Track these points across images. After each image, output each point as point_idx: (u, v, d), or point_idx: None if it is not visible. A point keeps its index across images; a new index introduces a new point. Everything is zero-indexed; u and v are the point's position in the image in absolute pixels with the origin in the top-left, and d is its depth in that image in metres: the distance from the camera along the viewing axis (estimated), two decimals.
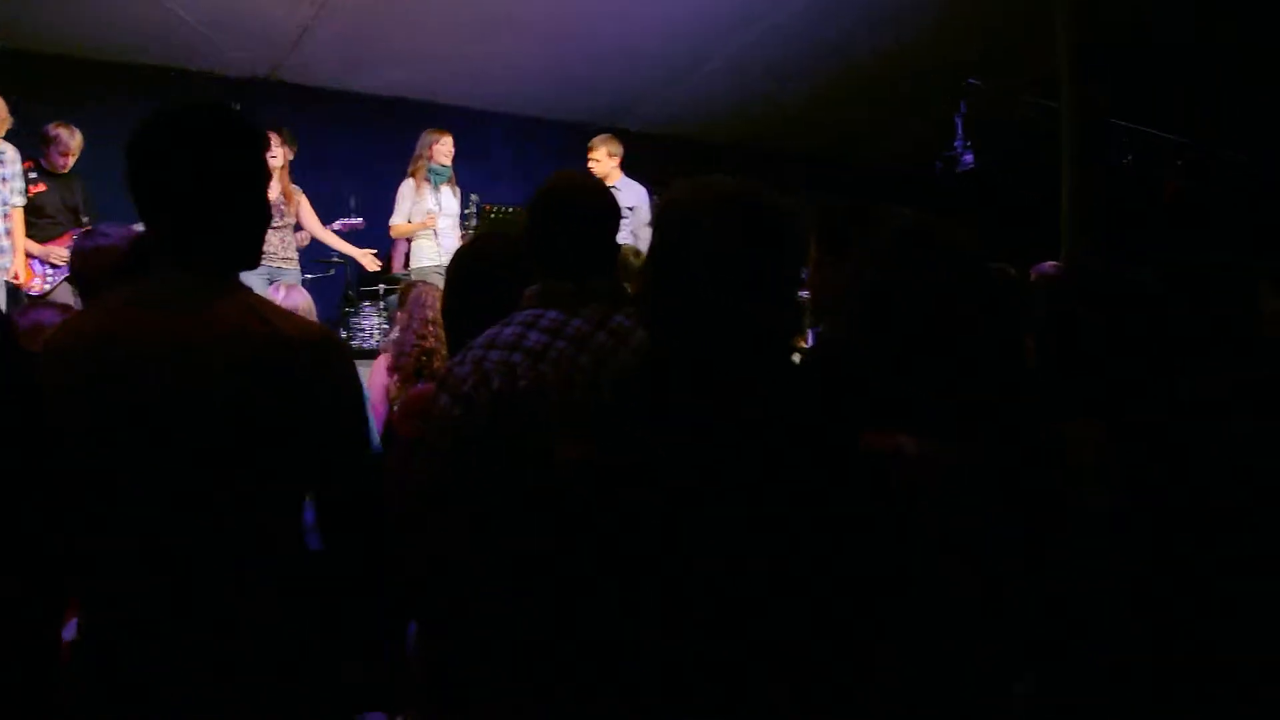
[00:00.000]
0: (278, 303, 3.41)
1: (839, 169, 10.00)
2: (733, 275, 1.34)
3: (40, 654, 1.50)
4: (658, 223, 1.49)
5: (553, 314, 1.78)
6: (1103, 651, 1.56)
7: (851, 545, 1.28)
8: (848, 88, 8.01)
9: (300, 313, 3.43)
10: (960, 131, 5.91)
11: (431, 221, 6.15)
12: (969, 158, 5.86)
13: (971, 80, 5.77)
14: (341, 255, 6.77)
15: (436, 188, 6.23)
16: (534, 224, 1.90)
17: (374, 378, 3.73)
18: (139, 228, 5.46)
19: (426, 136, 6.25)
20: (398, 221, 6.26)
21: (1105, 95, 4.05)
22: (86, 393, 1.42)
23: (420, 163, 6.22)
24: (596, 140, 6.35)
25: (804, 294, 2.31)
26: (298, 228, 6.20)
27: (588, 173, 5.70)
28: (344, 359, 1.55)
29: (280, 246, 5.92)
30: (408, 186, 6.24)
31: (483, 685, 1.65)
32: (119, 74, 7.10)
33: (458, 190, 6.43)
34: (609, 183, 5.97)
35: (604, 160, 6.24)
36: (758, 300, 1.35)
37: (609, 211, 1.93)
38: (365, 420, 1.65)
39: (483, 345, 1.77)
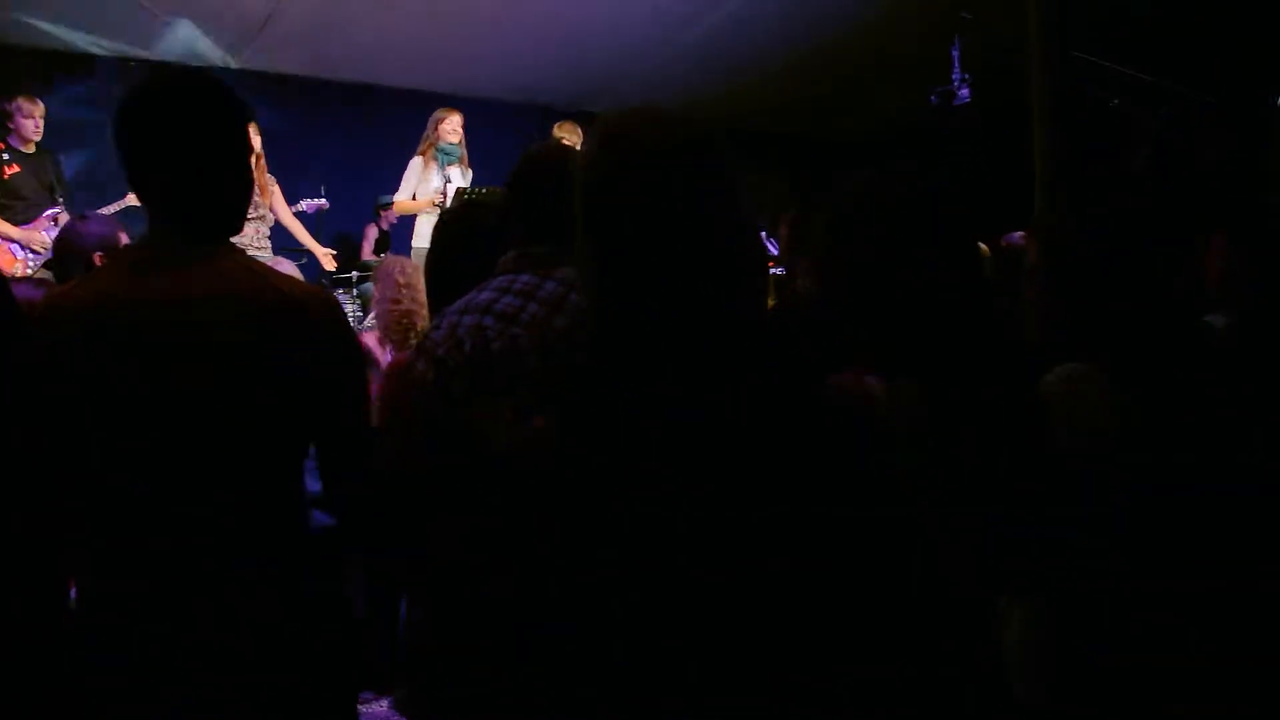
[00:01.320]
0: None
1: (810, 147, 10.03)
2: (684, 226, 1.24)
3: (40, 628, 1.49)
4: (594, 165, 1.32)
5: (526, 277, 1.77)
6: (1091, 588, 1.57)
7: (829, 497, 1.27)
8: (817, 64, 8.00)
9: None
10: (957, 64, 5.82)
11: (439, 200, 6.05)
12: (965, 91, 5.77)
13: (965, 14, 5.69)
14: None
15: (444, 167, 6.15)
16: (513, 188, 1.89)
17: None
18: (116, 208, 5.38)
19: (435, 115, 6.18)
20: (401, 198, 6.21)
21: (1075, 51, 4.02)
22: (91, 352, 1.43)
23: (429, 142, 6.14)
24: (559, 126, 6.32)
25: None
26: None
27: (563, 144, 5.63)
28: (344, 317, 1.60)
29: (254, 236, 5.88)
30: (416, 164, 6.17)
31: (472, 662, 1.64)
32: (80, 64, 7.02)
33: (469, 170, 6.34)
34: None
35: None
36: (712, 258, 1.25)
37: None
38: (365, 377, 1.69)
39: (457, 310, 1.76)
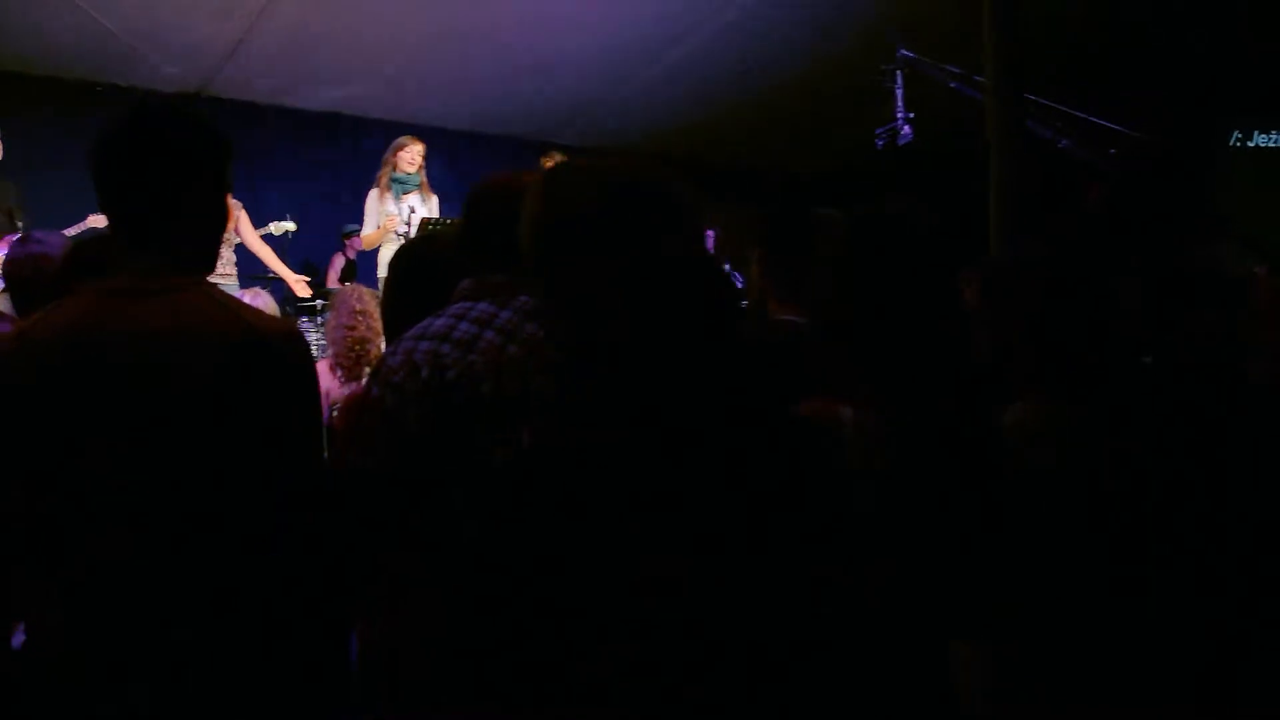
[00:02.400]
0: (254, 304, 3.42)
1: (773, 180, 10.15)
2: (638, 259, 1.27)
3: None
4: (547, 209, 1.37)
5: (483, 306, 1.81)
6: (1052, 615, 1.61)
7: (793, 519, 1.29)
8: (779, 100, 8.13)
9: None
10: (900, 103, 5.78)
11: (391, 224, 6.06)
12: (908, 130, 5.73)
13: (903, 51, 5.70)
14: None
15: (399, 196, 6.14)
16: (468, 219, 1.94)
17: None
18: (75, 230, 5.35)
19: (395, 143, 6.20)
20: (367, 232, 6.21)
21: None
22: (62, 386, 1.44)
23: (385, 171, 6.16)
24: (547, 157, 6.47)
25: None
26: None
27: (521, 173, 5.69)
28: (309, 353, 1.61)
29: (220, 262, 5.85)
30: (373, 196, 6.18)
31: (426, 686, 1.65)
32: (47, 88, 6.99)
33: (431, 197, 6.33)
34: None
35: None
36: (668, 283, 1.28)
37: None
38: (321, 414, 1.71)
39: (413, 336, 1.79)
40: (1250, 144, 8.25)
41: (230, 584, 1.49)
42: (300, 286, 6.42)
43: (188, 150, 1.55)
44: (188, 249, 1.57)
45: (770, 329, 2.31)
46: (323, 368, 3.70)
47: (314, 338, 7.05)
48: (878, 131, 5.80)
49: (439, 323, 1.79)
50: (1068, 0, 6.35)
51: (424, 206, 6.28)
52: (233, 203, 6.03)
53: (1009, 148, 3.93)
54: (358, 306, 3.43)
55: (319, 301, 7.09)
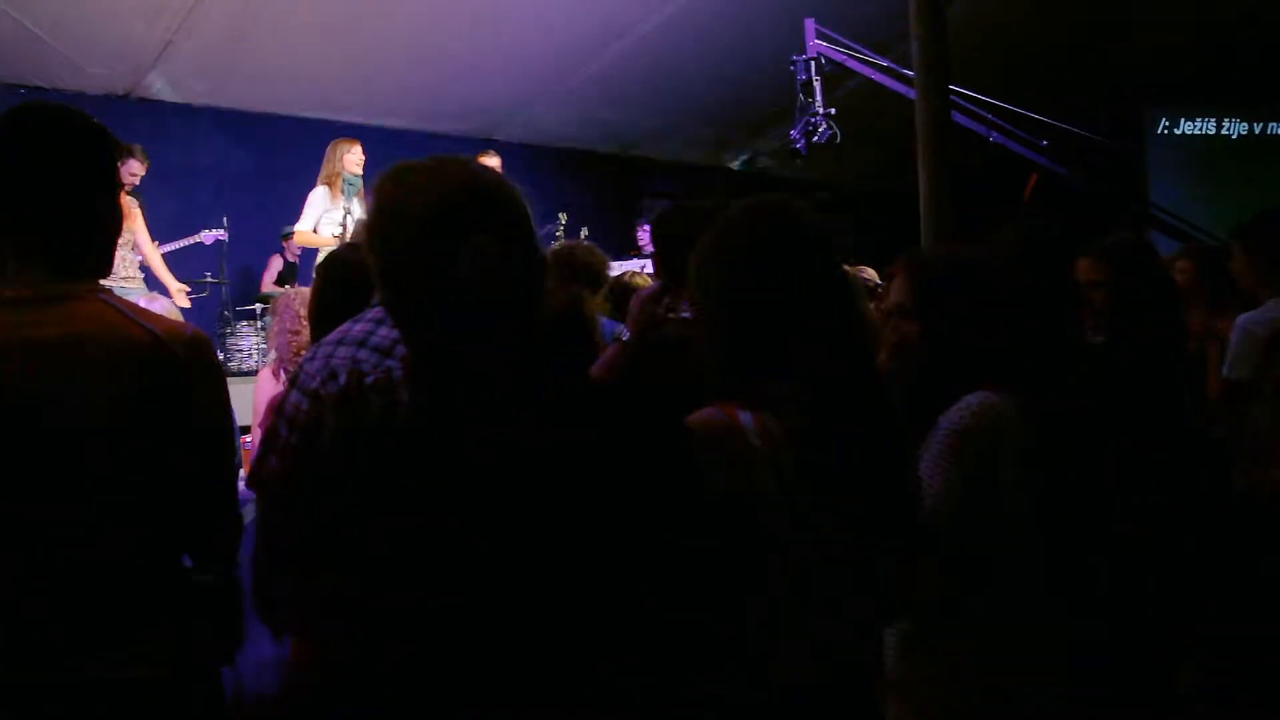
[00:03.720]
0: (153, 309, 3.35)
1: (711, 174, 10.25)
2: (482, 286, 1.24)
3: None
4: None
5: None
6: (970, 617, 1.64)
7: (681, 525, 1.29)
8: (717, 96, 8.19)
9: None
10: (818, 98, 5.46)
11: (343, 239, 5.91)
12: (825, 129, 5.39)
13: (817, 40, 5.44)
14: (216, 275, 6.65)
15: (349, 198, 6.06)
16: None
17: (259, 392, 3.65)
18: None
19: (339, 146, 6.07)
20: (304, 228, 6.05)
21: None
22: None
23: (335, 172, 6.01)
24: (482, 155, 6.36)
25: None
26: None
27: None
28: (215, 358, 1.56)
29: (120, 265, 5.69)
30: (320, 194, 6.03)
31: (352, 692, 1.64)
32: None
33: (365, 201, 6.29)
34: None
35: None
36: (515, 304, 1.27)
37: None
38: (232, 419, 1.64)
39: (332, 342, 1.79)
40: (1176, 132, 8.47)
41: (136, 603, 1.45)
42: (181, 297, 6.15)
43: (70, 152, 1.49)
44: (77, 254, 1.50)
45: (673, 328, 2.31)
46: (265, 374, 3.64)
47: (253, 341, 6.97)
48: (792, 134, 5.55)
49: (357, 328, 1.79)
50: None
51: (361, 209, 6.22)
52: (128, 201, 5.79)
53: (939, 145, 3.96)
54: (301, 311, 3.35)
55: (256, 306, 7.00)
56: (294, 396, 1.74)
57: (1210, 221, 6.88)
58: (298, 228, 6.13)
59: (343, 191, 6.05)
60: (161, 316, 1.52)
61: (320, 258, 5.83)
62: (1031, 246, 2.30)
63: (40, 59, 6.72)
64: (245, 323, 7.04)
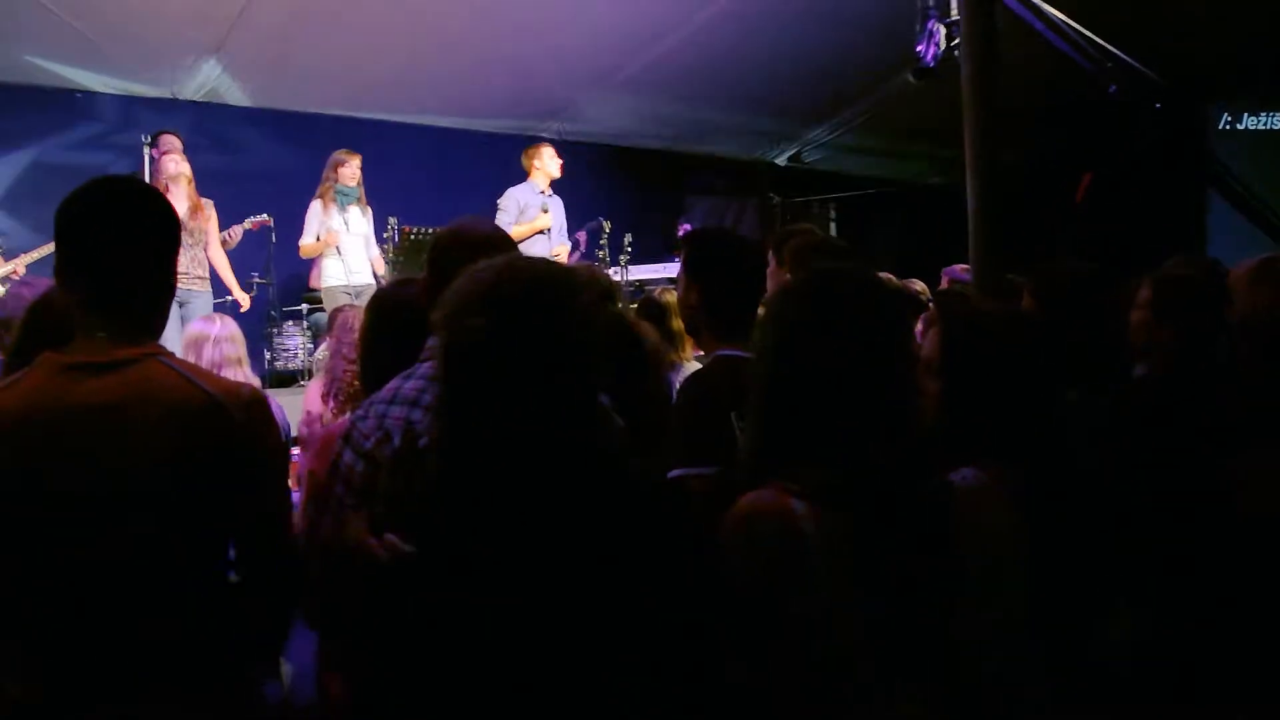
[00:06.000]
0: (213, 333, 3.38)
1: (755, 169, 10.17)
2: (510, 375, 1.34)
3: None
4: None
5: None
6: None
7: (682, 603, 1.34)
8: (762, 93, 8.10)
9: (234, 344, 3.39)
10: (935, 18, 5.12)
11: (333, 239, 6.17)
12: (932, 52, 5.13)
13: None
14: (264, 275, 6.69)
15: (344, 208, 6.26)
16: (432, 270, 1.89)
17: (307, 404, 3.66)
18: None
19: (334, 158, 6.29)
20: (306, 242, 6.32)
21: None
22: (22, 458, 1.44)
23: (328, 184, 6.25)
24: (532, 150, 6.70)
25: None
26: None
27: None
28: (271, 417, 1.61)
29: (191, 264, 5.79)
30: (315, 207, 6.29)
31: None
32: (28, 96, 6.96)
33: (368, 210, 6.43)
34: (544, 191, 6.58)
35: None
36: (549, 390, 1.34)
37: None
38: (286, 476, 1.71)
39: (385, 400, 1.77)
40: (1240, 126, 8.27)
41: (187, 656, 1.50)
42: (244, 299, 6.34)
43: (146, 225, 1.58)
44: (142, 318, 1.58)
45: (709, 367, 2.27)
46: (315, 391, 3.63)
47: (299, 340, 7.02)
48: (919, 49, 5.18)
49: (409, 386, 1.76)
50: None
51: (363, 218, 6.37)
52: (202, 201, 5.92)
53: (984, 148, 3.87)
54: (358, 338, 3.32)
55: (304, 306, 7.05)
56: (348, 456, 1.73)
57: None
58: (301, 242, 6.34)
59: (336, 202, 6.25)
60: (220, 378, 1.60)
61: (334, 260, 6.19)
62: (1072, 297, 2.25)
63: (93, 62, 6.80)
64: (291, 322, 7.11)
